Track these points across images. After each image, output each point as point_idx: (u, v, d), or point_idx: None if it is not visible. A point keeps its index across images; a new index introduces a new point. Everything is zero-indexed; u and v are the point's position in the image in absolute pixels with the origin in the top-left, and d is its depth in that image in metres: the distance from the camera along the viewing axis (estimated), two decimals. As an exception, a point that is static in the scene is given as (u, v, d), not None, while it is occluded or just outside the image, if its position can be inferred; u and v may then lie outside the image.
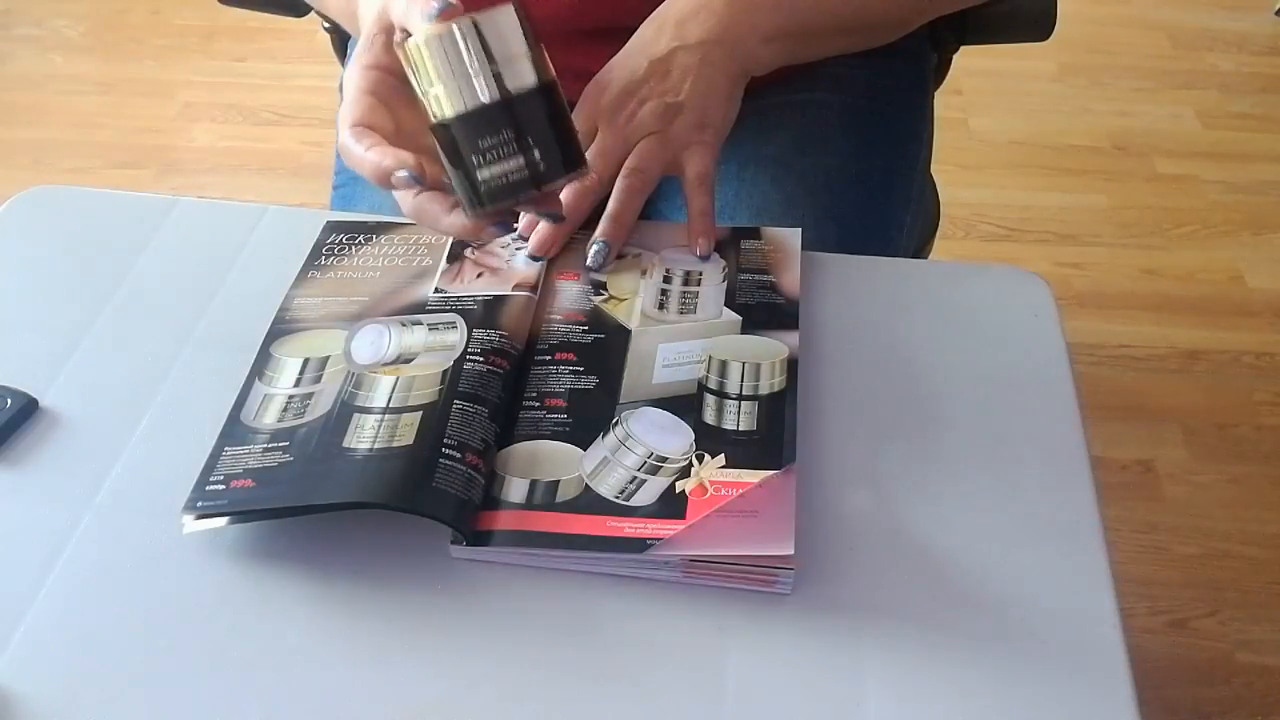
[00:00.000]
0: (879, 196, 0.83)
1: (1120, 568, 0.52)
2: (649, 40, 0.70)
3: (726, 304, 0.64)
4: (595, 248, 0.66)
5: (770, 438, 0.56)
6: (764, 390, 0.59)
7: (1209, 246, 1.77)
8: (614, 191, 0.67)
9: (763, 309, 0.64)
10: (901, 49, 0.84)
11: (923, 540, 0.54)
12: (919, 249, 0.96)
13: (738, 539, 0.51)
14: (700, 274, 0.66)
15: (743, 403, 0.58)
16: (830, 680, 0.49)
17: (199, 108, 2.05)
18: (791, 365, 0.60)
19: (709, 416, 0.58)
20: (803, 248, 0.68)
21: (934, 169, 0.97)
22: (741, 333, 0.62)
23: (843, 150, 0.82)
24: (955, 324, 0.64)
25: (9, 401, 0.59)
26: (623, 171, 0.67)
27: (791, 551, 0.51)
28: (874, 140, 0.84)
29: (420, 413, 0.56)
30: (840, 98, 0.84)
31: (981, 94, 2.03)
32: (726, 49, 0.69)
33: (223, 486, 0.54)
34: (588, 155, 0.68)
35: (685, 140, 0.68)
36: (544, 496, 0.54)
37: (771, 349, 0.61)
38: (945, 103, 0.98)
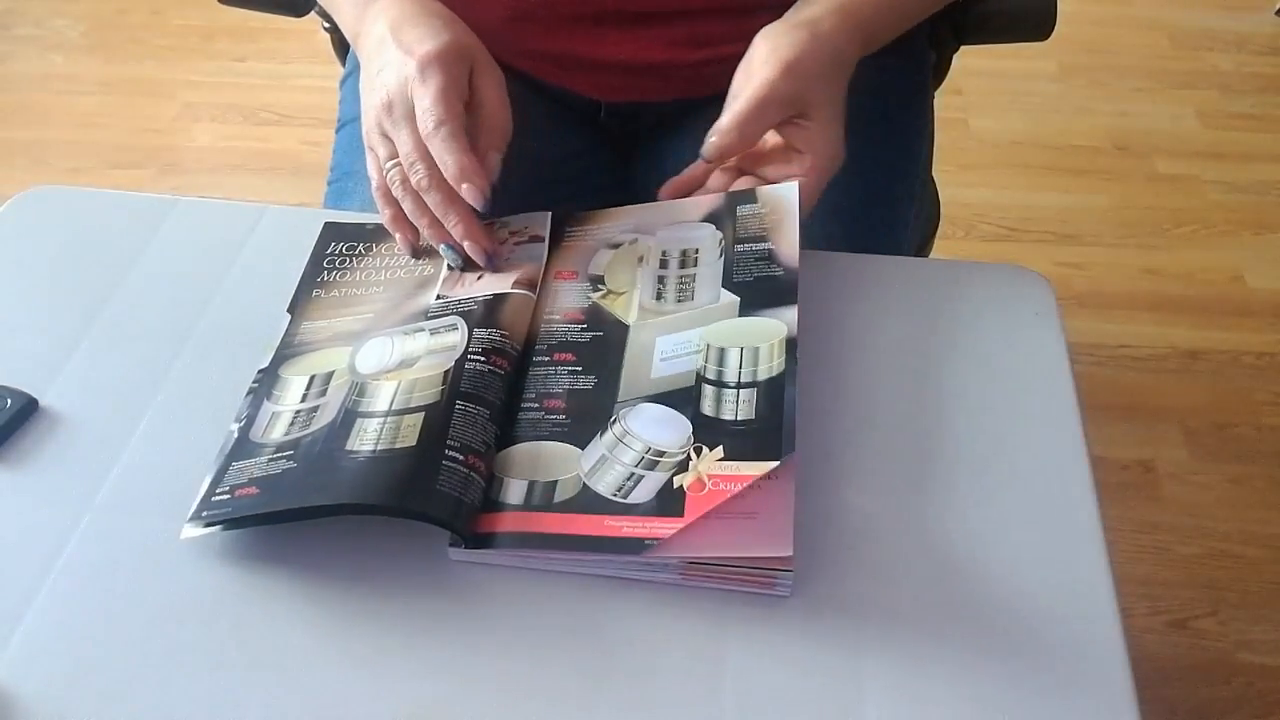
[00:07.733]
0: (883, 193, 0.83)
1: (1120, 568, 0.52)
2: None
3: (724, 282, 0.63)
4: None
5: (769, 427, 0.55)
6: (762, 375, 0.58)
7: (1209, 246, 1.77)
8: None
9: (760, 284, 0.62)
10: (901, 48, 0.84)
11: (922, 540, 0.54)
12: (920, 248, 0.96)
13: (736, 541, 0.51)
14: (696, 252, 0.65)
15: (741, 390, 0.57)
16: (830, 681, 0.48)
17: (199, 108, 2.05)
18: (790, 345, 0.59)
19: (707, 408, 0.57)
20: (808, 246, 0.66)
21: (934, 169, 0.97)
22: (740, 314, 0.61)
23: (847, 147, 0.82)
24: (956, 323, 0.64)
25: (9, 401, 0.59)
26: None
27: (790, 553, 0.50)
28: (876, 138, 0.84)
29: (423, 413, 0.56)
30: (842, 96, 0.84)
31: (981, 94, 2.03)
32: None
33: (228, 496, 0.54)
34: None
35: None
36: (542, 497, 0.54)
37: (770, 330, 0.60)
38: (945, 103, 0.98)
